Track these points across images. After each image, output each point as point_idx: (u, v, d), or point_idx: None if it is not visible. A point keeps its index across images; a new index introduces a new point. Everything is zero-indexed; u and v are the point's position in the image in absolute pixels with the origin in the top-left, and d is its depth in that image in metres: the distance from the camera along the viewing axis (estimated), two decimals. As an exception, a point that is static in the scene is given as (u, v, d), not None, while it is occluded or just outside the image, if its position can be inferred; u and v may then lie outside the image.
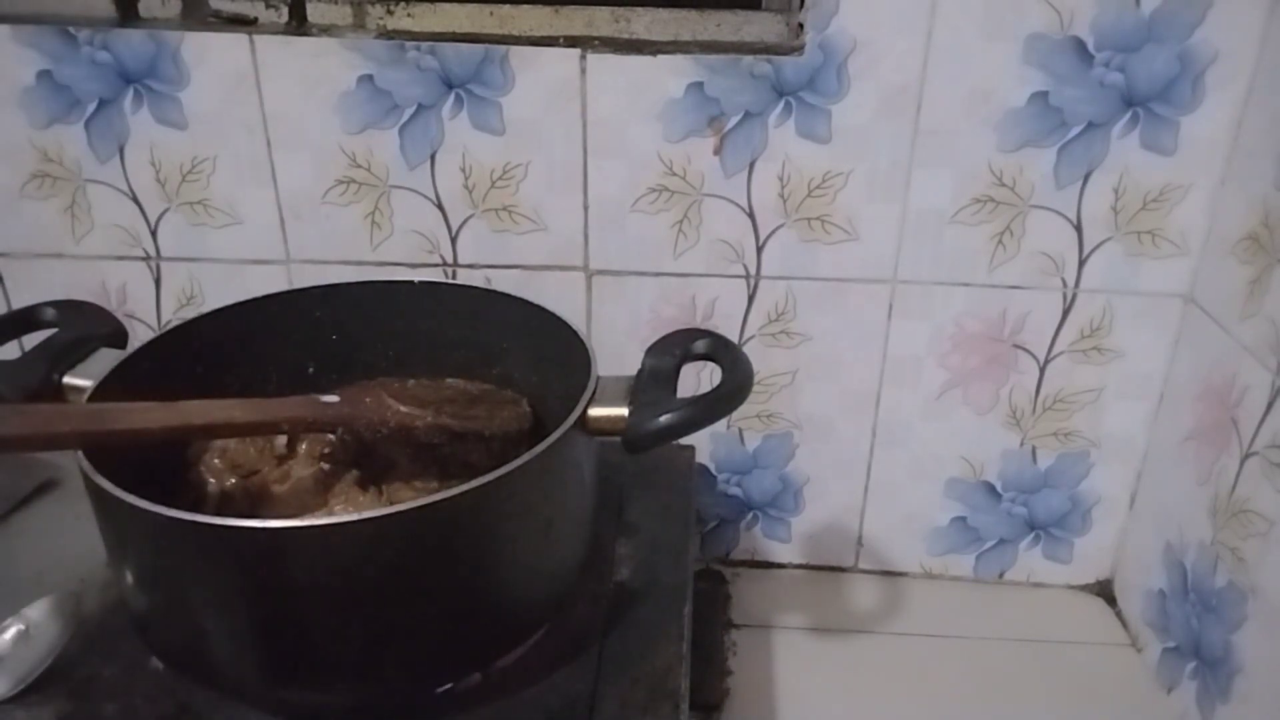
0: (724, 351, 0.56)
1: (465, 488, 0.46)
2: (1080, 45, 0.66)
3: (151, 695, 0.52)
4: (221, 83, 0.71)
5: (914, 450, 0.81)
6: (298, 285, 0.67)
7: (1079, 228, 0.72)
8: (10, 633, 0.53)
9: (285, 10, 0.71)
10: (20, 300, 0.79)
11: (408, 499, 0.55)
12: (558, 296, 0.76)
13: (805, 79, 0.68)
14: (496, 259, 0.76)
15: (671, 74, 0.69)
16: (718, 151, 0.71)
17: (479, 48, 0.69)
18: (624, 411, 0.53)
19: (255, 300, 0.64)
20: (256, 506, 0.56)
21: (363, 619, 0.47)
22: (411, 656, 0.49)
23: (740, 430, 0.82)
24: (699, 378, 0.75)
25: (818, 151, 0.71)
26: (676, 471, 0.74)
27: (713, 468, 0.84)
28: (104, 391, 0.54)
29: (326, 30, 0.71)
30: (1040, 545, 0.84)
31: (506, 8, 0.71)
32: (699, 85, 0.69)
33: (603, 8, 0.71)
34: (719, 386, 0.53)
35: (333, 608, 0.47)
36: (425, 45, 0.69)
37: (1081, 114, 0.68)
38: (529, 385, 0.64)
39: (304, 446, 0.60)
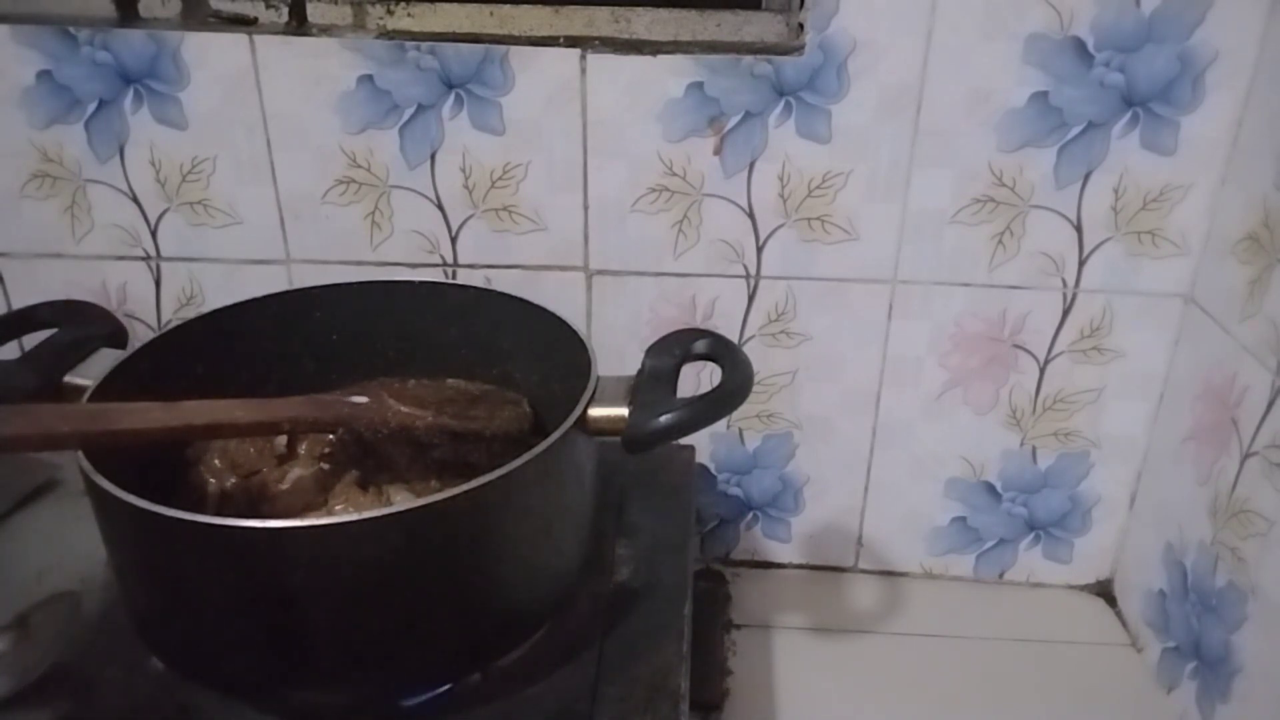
0: (724, 351, 0.56)
1: (465, 488, 0.46)
2: (1080, 45, 0.66)
3: (151, 695, 0.52)
4: (221, 83, 0.71)
5: (914, 450, 0.81)
6: (298, 285, 0.67)
7: (1079, 228, 0.72)
8: (10, 633, 0.53)
9: (285, 10, 0.71)
10: (20, 300, 0.79)
11: (408, 499, 0.55)
12: (558, 296, 0.76)
13: (805, 79, 0.68)
14: (496, 259, 0.76)
15: (671, 74, 0.69)
16: (718, 151, 0.71)
17: (479, 48, 0.69)
18: (624, 411, 0.53)
19: (255, 300, 0.64)
20: (256, 506, 0.56)
21: (363, 619, 0.47)
22: (411, 656, 0.49)
23: (740, 430, 0.82)
24: (699, 378, 0.75)
25: (818, 151, 0.71)
26: (676, 471, 0.74)
27: (713, 468, 0.84)
28: (104, 391, 0.54)
29: (326, 30, 0.71)
30: (1040, 545, 0.84)
31: (506, 8, 0.71)
32: (699, 85, 0.69)
33: (603, 8, 0.71)
34: (719, 386, 0.53)
35: (333, 607, 0.47)
36: (425, 45, 0.69)
37: (1081, 114, 0.68)
38: (529, 385, 0.64)
39: (304, 446, 0.60)
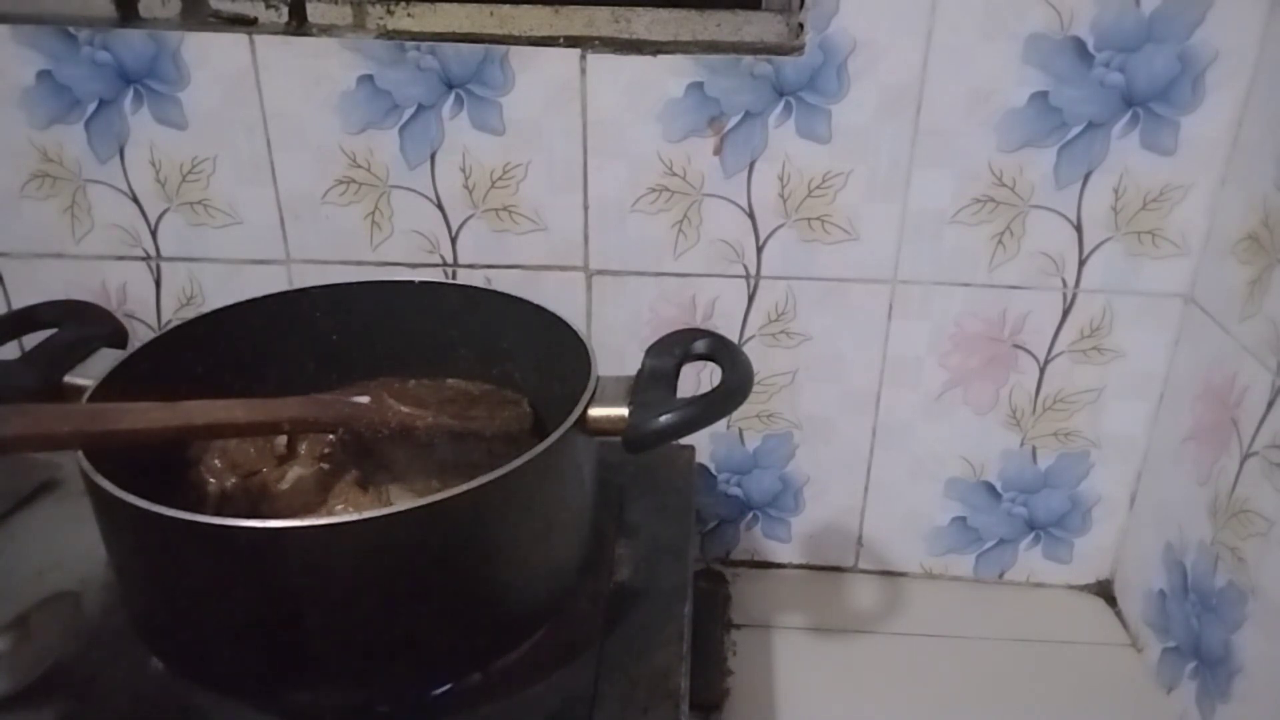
0: (724, 351, 0.56)
1: (465, 488, 0.46)
2: (1080, 45, 0.66)
3: (151, 695, 0.52)
4: (221, 83, 0.71)
5: (914, 450, 0.81)
6: (298, 285, 0.67)
7: (1079, 228, 0.72)
8: (10, 633, 0.53)
9: (285, 10, 0.71)
10: (20, 300, 0.79)
11: (408, 499, 0.55)
12: (558, 296, 0.76)
13: (805, 79, 0.68)
14: (496, 259, 0.76)
15: (671, 74, 0.69)
16: (718, 151, 0.71)
17: (479, 48, 0.69)
18: (624, 411, 0.53)
19: (255, 300, 0.64)
20: (256, 506, 0.56)
21: (363, 619, 0.47)
22: (411, 656, 0.49)
23: (740, 430, 0.82)
24: (699, 378, 0.75)
25: (818, 151, 0.71)
26: (676, 471, 0.74)
27: (713, 468, 0.84)
28: (104, 391, 0.54)
29: (326, 30, 0.71)
30: (1040, 545, 0.84)
31: (506, 8, 0.71)
32: (699, 85, 0.69)
33: (603, 8, 0.71)
34: (719, 386, 0.53)
35: (333, 608, 0.47)
36: (425, 45, 0.69)
37: (1081, 114, 0.68)
38: (529, 385, 0.64)
39: (304, 446, 0.60)
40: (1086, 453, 0.80)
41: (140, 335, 0.77)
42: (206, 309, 0.63)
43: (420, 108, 0.71)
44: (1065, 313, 0.75)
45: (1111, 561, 0.84)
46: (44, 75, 0.72)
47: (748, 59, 0.68)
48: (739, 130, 0.70)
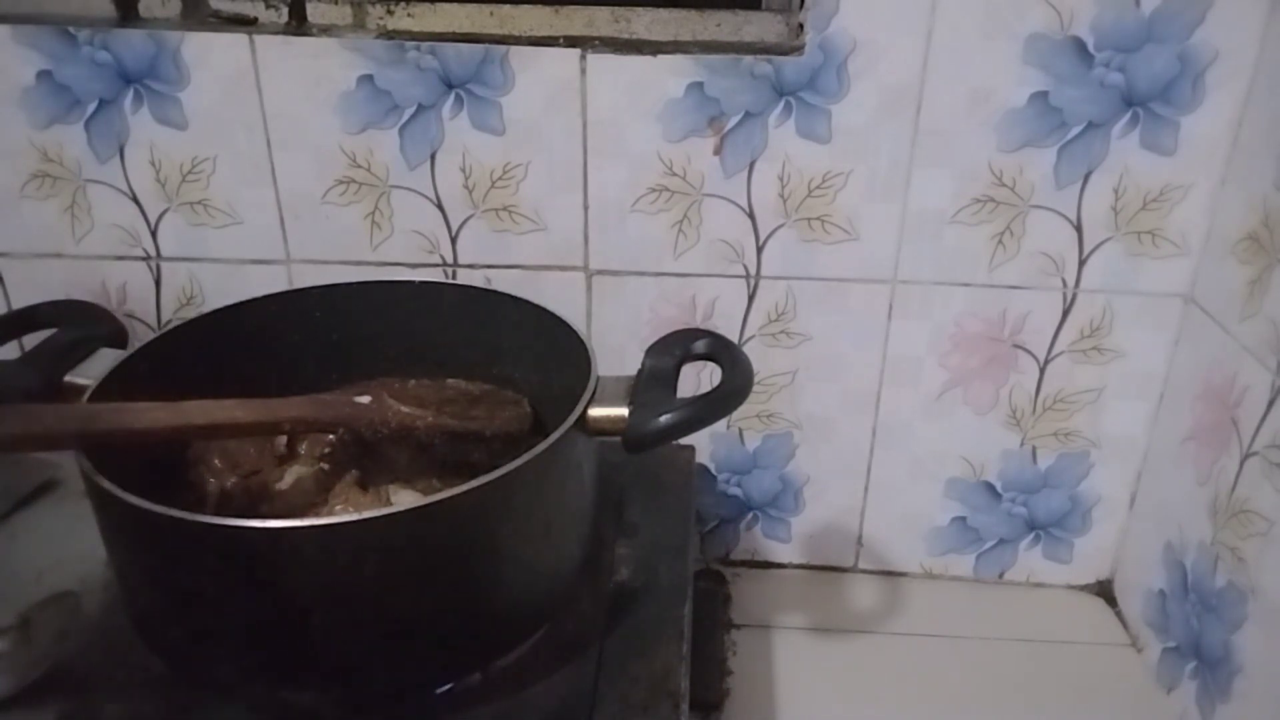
0: (724, 351, 0.56)
1: (465, 488, 0.46)
2: (1080, 45, 0.66)
3: (151, 695, 0.52)
4: (221, 83, 0.71)
5: (914, 450, 0.81)
6: (298, 285, 0.67)
7: (1079, 228, 0.72)
8: (10, 633, 0.53)
9: (285, 10, 0.71)
10: (20, 300, 0.79)
11: (408, 499, 0.55)
12: (558, 296, 0.76)
13: (805, 79, 0.68)
14: (496, 259, 0.76)
15: (671, 74, 0.69)
16: (718, 151, 0.71)
17: (479, 48, 0.69)
18: (624, 411, 0.53)
19: (255, 300, 0.64)
20: (256, 506, 0.56)
21: (363, 619, 0.47)
22: (411, 656, 0.49)
23: (740, 430, 0.82)
24: (699, 378, 0.75)
25: (818, 151, 0.71)
26: (676, 471, 0.74)
27: (713, 468, 0.84)
28: (104, 391, 0.54)
29: (326, 30, 0.71)
30: (1040, 545, 0.84)
31: (506, 8, 0.71)
32: (699, 85, 0.69)
33: (603, 8, 0.71)
34: (719, 386, 0.54)
35: (333, 608, 0.47)
36: (425, 45, 0.69)
37: (1081, 114, 0.68)
38: (529, 385, 0.64)
39: (304, 446, 0.60)
40: (1086, 453, 0.80)
41: (140, 335, 0.77)
42: (206, 309, 0.63)
43: (420, 108, 0.71)
44: (1065, 313, 0.75)
45: (1111, 561, 0.84)
46: (44, 75, 0.72)
47: (748, 59, 0.68)
48: (739, 130, 0.70)
